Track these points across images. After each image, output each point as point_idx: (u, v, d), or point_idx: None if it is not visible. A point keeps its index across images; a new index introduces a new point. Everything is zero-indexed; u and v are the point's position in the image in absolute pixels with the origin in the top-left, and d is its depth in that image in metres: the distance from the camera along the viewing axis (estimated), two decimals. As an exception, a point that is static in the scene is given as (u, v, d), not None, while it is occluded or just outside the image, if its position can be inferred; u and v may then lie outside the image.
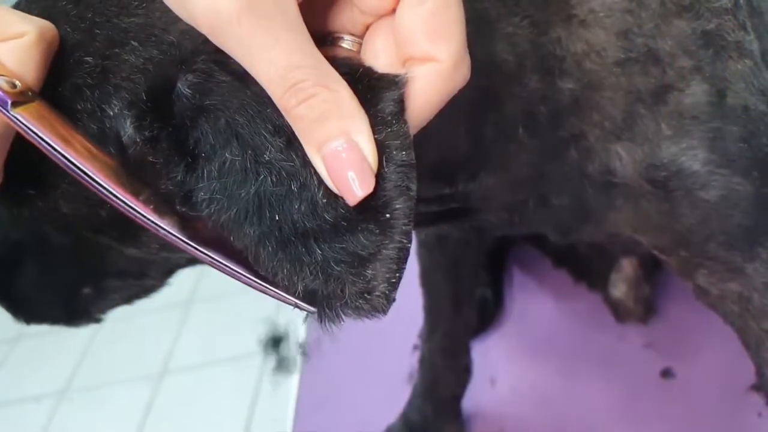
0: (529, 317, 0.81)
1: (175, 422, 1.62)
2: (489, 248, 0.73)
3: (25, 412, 1.76)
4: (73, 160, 0.29)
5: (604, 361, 0.73)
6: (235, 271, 0.30)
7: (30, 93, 0.30)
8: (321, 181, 0.29)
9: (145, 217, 0.30)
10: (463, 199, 0.44)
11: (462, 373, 0.70)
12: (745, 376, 0.65)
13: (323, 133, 0.28)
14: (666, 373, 0.70)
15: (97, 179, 0.30)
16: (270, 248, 0.29)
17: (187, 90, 0.30)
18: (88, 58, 0.34)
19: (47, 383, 1.81)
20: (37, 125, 0.29)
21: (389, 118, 0.29)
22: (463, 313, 0.68)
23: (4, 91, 0.28)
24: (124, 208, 0.30)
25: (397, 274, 0.29)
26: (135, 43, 0.33)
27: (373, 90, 0.29)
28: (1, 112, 0.28)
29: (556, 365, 0.75)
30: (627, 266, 0.72)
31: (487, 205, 0.45)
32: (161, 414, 1.66)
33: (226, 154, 0.29)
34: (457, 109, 0.40)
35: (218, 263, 0.30)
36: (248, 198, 0.29)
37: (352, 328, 0.93)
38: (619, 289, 0.73)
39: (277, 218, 0.29)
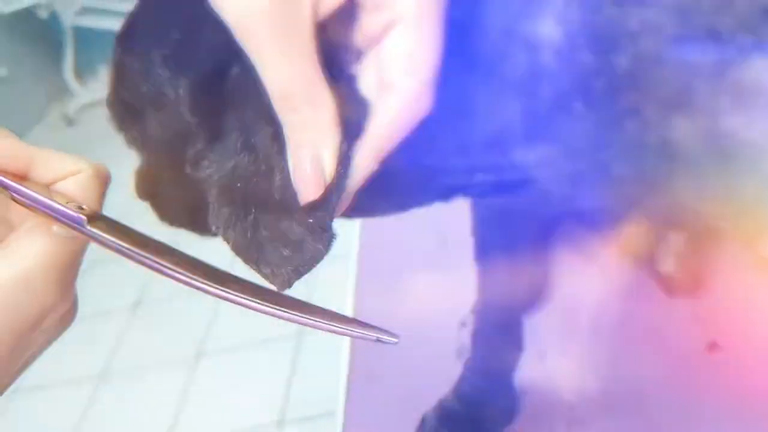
0: (576, 293, 0.82)
1: (212, 404, 1.65)
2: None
3: (65, 396, 1.79)
4: (148, 257, 0.35)
5: (650, 334, 0.74)
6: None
7: (96, 213, 0.35)
8: (283, 169, 0.34)
9: (212, 289, 0.35)
10: (520, 169, 0.45)
11: (514, 348, 0.72)
12: (793, 349, 0.67)
13: (299, 139, 0.34)
14: (712, 347, 0.71)
15: (173, 269, 0.35)
16: (221, 200, 0.35)
17: (233, 79, 0.36)
18: (175, 35, 0.40)
19: (86, 367, 1.84)
20: (109, 235, 0.35)
21: (347, 140, 0.34)
22: (517, 289, 0.70)
23: (77, 213, 0.34)
24: (195, 285, 0.35)
25: (305, 267, 0.33)
26: (215, 22, 0.38)
27: (343, 116, 0.34)
28: (79, 228, 0.34)
29: (604, 339, 0.76)
30: (675, 240, 0.73)
31: (546, 175, 0.46)
32: (199, 396, 1.68)
33: (232, 136, 0.36)
34: (508, 85, 0.41)
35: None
36: (228, 167, 0.36)
37: (400, 306, 0.93)
38: (667, 263, 0.74)
39: (238, 185, 0.35)
